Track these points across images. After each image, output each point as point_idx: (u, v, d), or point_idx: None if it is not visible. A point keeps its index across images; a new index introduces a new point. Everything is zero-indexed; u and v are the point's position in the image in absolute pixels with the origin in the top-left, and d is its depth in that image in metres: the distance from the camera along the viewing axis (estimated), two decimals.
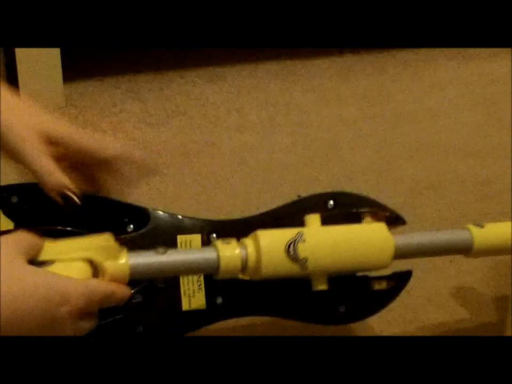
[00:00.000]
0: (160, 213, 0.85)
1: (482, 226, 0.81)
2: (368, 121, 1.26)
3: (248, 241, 0.74)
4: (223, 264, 0.73)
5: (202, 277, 0.82)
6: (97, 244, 0.72)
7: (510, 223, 0.84)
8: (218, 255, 0.73)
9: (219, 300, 0.83)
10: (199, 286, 0.83)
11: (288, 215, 0.85)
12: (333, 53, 1.43)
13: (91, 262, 0.70)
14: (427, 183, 1.11)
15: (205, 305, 0.82)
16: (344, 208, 0.85)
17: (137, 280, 0.75)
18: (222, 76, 1.37)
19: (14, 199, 0.78)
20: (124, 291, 0.71)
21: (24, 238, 0.64)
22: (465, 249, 0.81)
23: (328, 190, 0.87)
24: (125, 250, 0.72)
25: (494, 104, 1.32)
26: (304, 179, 1.15)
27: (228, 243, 0.75)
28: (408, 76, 1.39)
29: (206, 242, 0.83)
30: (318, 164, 1.19)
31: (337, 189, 0.90)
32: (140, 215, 0.83)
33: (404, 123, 1.25)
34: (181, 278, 0.82)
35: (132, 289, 0.74)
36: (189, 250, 0.81)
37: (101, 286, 0.68)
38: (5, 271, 0.59)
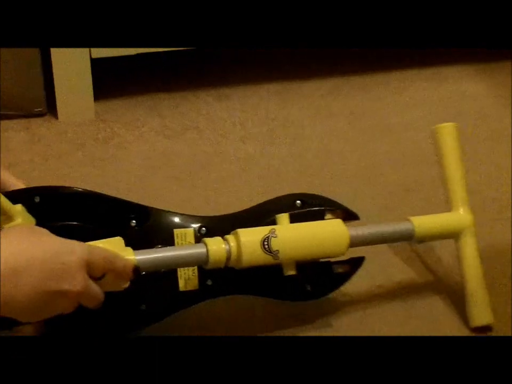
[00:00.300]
0: (159, 210, 0.94)
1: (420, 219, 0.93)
2: (355, 133, 1.31)
3: (230, 238, 0.84)
4: (211, 258, 0.83)
5: None
6: (110, 245, 0.82)
7: (442, 214, 0.95)
8: (207, 251, 0.83)
9: (209, 282, 0.90)
10: (193, 271, 0.91)
11: (264, 212, 0.94)
12: (324, 75, 1.49)
13: None
14: (406, 186, 1.16)
15: (197, 286, 0.90)
16: (309, 207, 0.94)
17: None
18: (228, 95, 1.43)
19: (37, 199, 0.86)
20: (125, 263, 0.81)
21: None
22: (409, 237, 0.92)
23: (321, 193, 0.99)
24: (130, 249, 0.81)
25: (464, 118, 1.36)
26: (299, 183, 1.20)
27: (215, 240, 0.85)
28: (389, 95, 1.44)
29: (198, 235, 0.92)
30: (311, 170, 1.24)
31: (325, 192, 1.00)
32: (142, 212, 0.92)
33: (386, 135, 1.30)
34: None
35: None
36: (182, 247, 0.89)
37: (103, 250, 0.78)
38: (34, 235, 0.71)
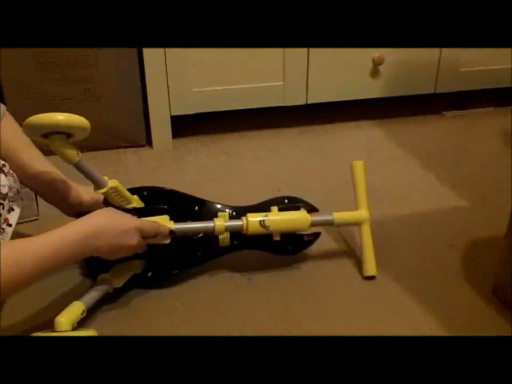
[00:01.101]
0: (210, 201, 1.08)
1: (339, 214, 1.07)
2: (313, 158, 1.56)
3: (244, 219, 1.00)
4: (216, 229, 0.98)
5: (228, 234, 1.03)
6: (161, 219, 0.97)
7: (352, 212, 1.09)
8: (214, 225, 0.97)
9: (235, 242, 1.05)
10: (227, 235, 1.05)
11: (266, 205, 1.07)
12: (296, 126, 1.74)
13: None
14: (342, 188, 1.27)
15: (229, 243, 1.05)
16: (291, 203, 1.09)
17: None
18: (245, 136, 1.70)
19: (145, 193, 1.03)
20: (164, 229, 0.95)
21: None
22: (332, 223, 1.07)
23: (294, 191, 1.17)
24: (172, 222, 0.97)
25: (369, 148, 1.62)
26: (284, 184, 1.41)
27: (220, 219, 0.99)
28: (333, 136, 1.69)
29: (230, 216, 1.06)
30: (290, 177, 1.46)
31: (297, 191, 1.20)
32: (201, 202, 1.07)
33: (330, 158, 1.55)
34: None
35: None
36: (200, 222, 1.00)
37: (150, 222, 0.94)
38: (110, 212, 0.88)
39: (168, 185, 1.04)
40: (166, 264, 1.01)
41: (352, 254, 1.16)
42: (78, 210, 1.01)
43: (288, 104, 1.64)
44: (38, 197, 1.10)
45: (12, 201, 0.88)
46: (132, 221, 0.90)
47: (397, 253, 1.16)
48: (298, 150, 1.62)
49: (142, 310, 1.01)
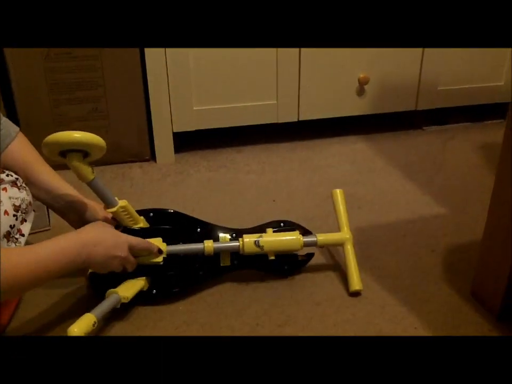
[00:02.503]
0: (213, 224, 1.08)
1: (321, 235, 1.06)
2: (302, 170, 1.56)
3: (240, 240, 1.01)
4: (206, 250, 0.98)
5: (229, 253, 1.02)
6: (155, 241, 0.97)
7: (334, 233, 1.07)
8: (204, 247, 0.98)
9: (235, 262, 1.05)
10: (228, 256, 1.04)
11: (264, 227, 1.08)
12: (287, 141, 1.75)
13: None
14: (328, 198, 1.18)
15: (229, 263, 1.04)
16: (287, 226, 1.09)
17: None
18: (242, 150, 1.70)
19: (151, 214, 1.04)
20: (153, 247, 0.94)
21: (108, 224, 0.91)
22: (315, 244, 1.07)
23: (284, 199, 1.27)
24: (164, 244, 0.97)
25: (356, 160, 1.61)
26: (274, 194, 1.42)
27: (209, 241, 0.99)
28: (321, 150, 1.69)
29: (230, 237, 1.06)
30: (281, 187, 1.46)
31: (286, 199, 1.27)
32: (204, 224, 1.07)
33: (318, 171, 1.54)
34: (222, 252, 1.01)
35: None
36: (190, 245, 1.00)
37: (142, 240, 0.93)
38: (100, 229, 0.87)
39: (171, 196, 1.14)
40: (169, 282, 1.00)
41: (337, 265, 1.14)
42: None
43: (281, 121, 1.65)
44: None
45: (24, 213, 0.87)
46: (123, 236, 0.90)
47: (380, 257, 1.15)
48: (290, 163, 1.63)
49: (145, 310, 1.00)
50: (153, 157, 1.60)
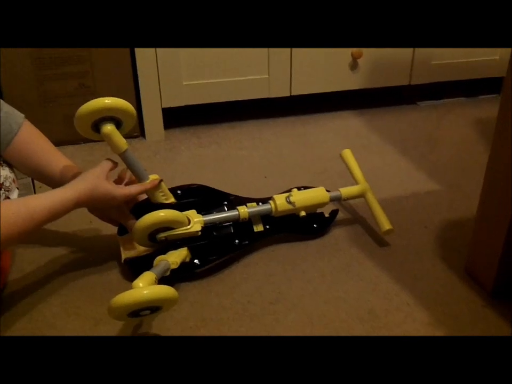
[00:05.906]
0: (237, 196, 1.12)
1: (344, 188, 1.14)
2: (297, 145, 1.57)
3: (271, 201, 1.06)
4: (241, 215, 1.03)
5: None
6: (190, 213, 1.01)
7: (354, 186, 1.15)
8: (238, 213, 1.03)
9: (268, 226, 1.09)
10: (260, 222, 1.09)
11: (286, 192, 1.10)
12: (281, 117, 1.74)
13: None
14: (325, 170, 1.37)
15: (263, 229, 1.09)
16: (304, 188, 1.14)
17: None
18: (234, 126, 1.70)
19: (179, 192, 1.05)
20: (146, 186, 0.94)
21: (106, 166, 0.91)
22: (340, 198, 1.14)
23: (280, 172, 1.32)
24: (200, 216, 1.00)
25: (348, 136, 1.62)
26: (266, 170, 1.44)
27: (243, 207, 1.04)
28: (315, 126, 1.69)
29: (258, 205, 1.09)
30: (273, 162, 1.47)
31: (283, 173, 1.32)
32: (228, 196, 1.10)
33: (313, 146, 1.55)
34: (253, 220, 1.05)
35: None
36: (227, 212, 1.05)
37: (135, 186, 0.94)
38: (96, 180, 0.88)
39: (161, 174, 0.99)
40: (208, 251, 1.02)
41: (328, 243, 1.14)
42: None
43: (273, 96, 1.64)
44: (36, 187, 1.10)
45: (7, 191, 0.86)
46: (112, 186, 0.92)
47: (372, 234, 1.16)
48: (283, 138, 1.63)
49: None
50: (142, 134, 1.60)
